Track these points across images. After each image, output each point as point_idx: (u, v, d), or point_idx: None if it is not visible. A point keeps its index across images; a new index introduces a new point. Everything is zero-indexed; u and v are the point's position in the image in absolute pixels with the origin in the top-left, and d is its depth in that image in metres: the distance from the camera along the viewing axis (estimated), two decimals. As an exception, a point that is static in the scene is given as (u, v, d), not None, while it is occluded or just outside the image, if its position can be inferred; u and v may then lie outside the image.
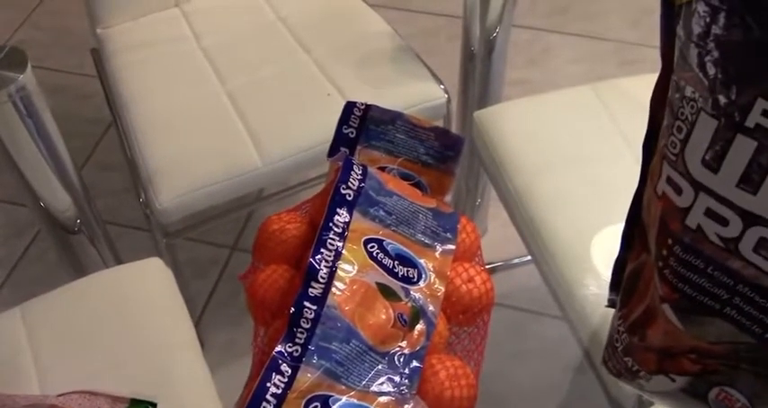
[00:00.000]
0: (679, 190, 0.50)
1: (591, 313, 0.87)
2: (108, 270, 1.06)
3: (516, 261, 1.49)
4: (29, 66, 0.88)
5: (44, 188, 1.01)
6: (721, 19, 0.45)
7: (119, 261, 1.20)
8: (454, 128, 1.35)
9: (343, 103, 0.73)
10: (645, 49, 1.84)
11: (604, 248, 0.92)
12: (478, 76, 1.30)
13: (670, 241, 0.52)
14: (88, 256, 1.15)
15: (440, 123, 1.24)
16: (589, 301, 0.88)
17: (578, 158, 1.06)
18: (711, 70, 0.46)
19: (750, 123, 0.45)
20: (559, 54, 1.88)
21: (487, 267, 1.46)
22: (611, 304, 0.66)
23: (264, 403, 0.55)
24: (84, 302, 0.97)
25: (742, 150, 0.46)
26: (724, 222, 0.48)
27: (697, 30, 0.46)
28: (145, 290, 0.99)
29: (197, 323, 1.45)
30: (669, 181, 0.51)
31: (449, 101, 1.22)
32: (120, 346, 0.91)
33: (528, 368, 1.36)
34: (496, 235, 1.54)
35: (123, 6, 1.33)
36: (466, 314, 0.65)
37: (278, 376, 0.56)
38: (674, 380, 0.57)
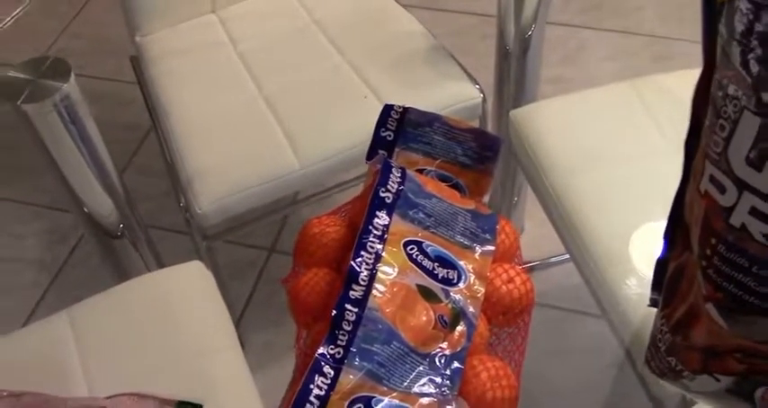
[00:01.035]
0: (722, 189, 0.50)
1: (632, 313, 0.86)
2: (150, 273, 1.07)
3: (554, 259, 1.48)
4: (72, 75, 0.90)
5: (87, 193, 1.03)
6: (764, 16, 0.44)
7: (160, 265, 1.22)
8: (490, 128, 1.34)
9: (379, 105, 0.74)
10: (679, 44, 1.82)
11: (644, 247, 0.92)
12: (514, 75, 1.29)
13: (713, 240, 0.52)
14: (131, 260, 1.17)
15: (476, 123, 1.24)
16: (631, 301, 0.87)
17: (616, 156, 1.06)
18: (755, 68, 0.46)
19: (795, 120, 0.45)
20: (594, 50, 1.87)
21: (525, 266, 1.46)
22: (654, 303, 0.66)
23: (308, 405, 0.55)
24: (129, 305, 0.99)
25: (787, 148, 0.45)
26: (769, 221, 0.48)
27: (740, 27, 0.46)
28: (187, 293, 1.01)
29: (236, 325, 1.47)
30: (712, 179, 0.51)
31: (484, 100, 1.22)
32: (164, 349, 0.93)
33: (567, 367, 1.35)
34: (533, 234, 1.54)
35: (161, 14, 1.35)
36: (506, 315, 0.65)
37: (321, 378, 0.57)
38: (718, 380, 0.57)
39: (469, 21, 1.97)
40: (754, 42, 0.45)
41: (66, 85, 0.89)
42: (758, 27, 0.44)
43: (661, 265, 0.64)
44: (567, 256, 1.05)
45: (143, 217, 1.18)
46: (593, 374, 1.35)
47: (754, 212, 0.48)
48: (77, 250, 1.63)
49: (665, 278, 0.62)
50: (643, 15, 1.92)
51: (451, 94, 1.21)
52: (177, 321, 0.96)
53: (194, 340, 0.94)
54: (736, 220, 0.50)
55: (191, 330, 0.96)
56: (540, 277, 1.48)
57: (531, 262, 1.49)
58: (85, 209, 1.05)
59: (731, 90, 0.48)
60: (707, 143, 0.51)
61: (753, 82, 0.46)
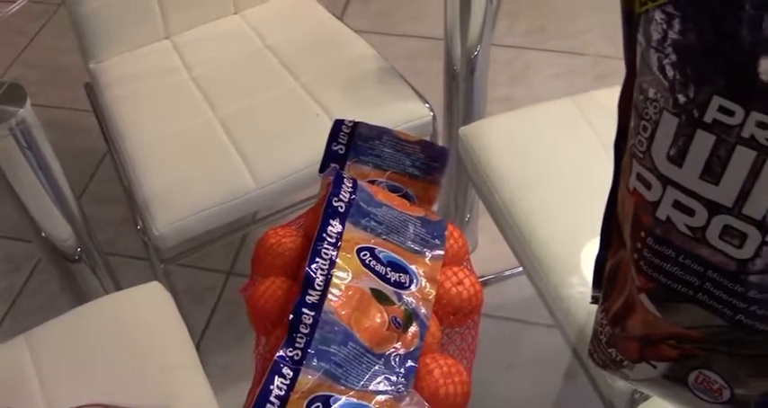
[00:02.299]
0: (648, 186, 0.54)
1: (576, 311, 0.90)
2: (109, 295, 1.08)
3: (507, 273, 1.52)
4: (28, 100, 0.92)
5: (45, 218, 1.04)
6: (676, 25, 0.49)
7: (119, 289, 1.22)
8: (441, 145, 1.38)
9: (332, 124, 0.77)
10: (620, 62, 1.89)
11: (587, 250, 0.96)
12: (462, 95, 1.34)
13: (643, 233, 0.56)
14: (89, 285, 1.18)
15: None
16: (574, 300, 0.91)
17: (561, 168, 1.10)
18: (670, 72, 0.50)
19: (708, 119, 0.49)
20: (540, 70, 1.94)
21: (479, 280, 1.49)
22: (595, 300, 0.70)
23: (269, 405, 0.57)
24: (88, 327, 1.00)
25: (702, 144, 0.49)
26: (691, 212, 0.52)
27: (655, 36, 0.50)
28: (146, 314, 1.02)
29: (196, 349, 1.47)
30: (639, 177, 0.55)
31: (434, 118, 1.26)
32: (125, 369, 0.94)
33: (521, 378, 1.38)
34: (487, 249, 1.57)
35: (115, 41, 1.37)
36: (457, 315, 0.68)
37: (280, 379, 0.59)
38: (655, 367, 0.60)
39: (419, 44, 2.02)
40: (669, 49, 0.49)
41: (22, 110, 0.91)
42: (671, 35, 0.49)
43: (599, 263, 0.68)
44: (520, 270, 1.09)
45: (100, 243, 1.19)
46: (547, 384, 1.39)
47: (677, 205, 0.53)
48: (33, 278, 1.62)
49: (604, 274, 0.66)
50: (588, 36, 2.00)
51: (403, 113, 1.25)
52: (137, 341, 0.97)
53: (155, 359, 0.96)
54: (661, 214, 0.54)
55: (151, 349, 0.97)
56: (493, 290, 1.52)
57: (484, 276, 1.52)
58: (43, 234, 1.06)
59: (651, 93, 0.52)
60: (632, 143, 0.55)
61: (669, 85, 0.50)
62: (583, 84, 1.87)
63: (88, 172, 1.81)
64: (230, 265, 1.61)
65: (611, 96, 1.24)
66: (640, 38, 0.52)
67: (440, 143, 1.35)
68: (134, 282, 1.04)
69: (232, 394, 1.32)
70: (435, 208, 0.78)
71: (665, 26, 0.49)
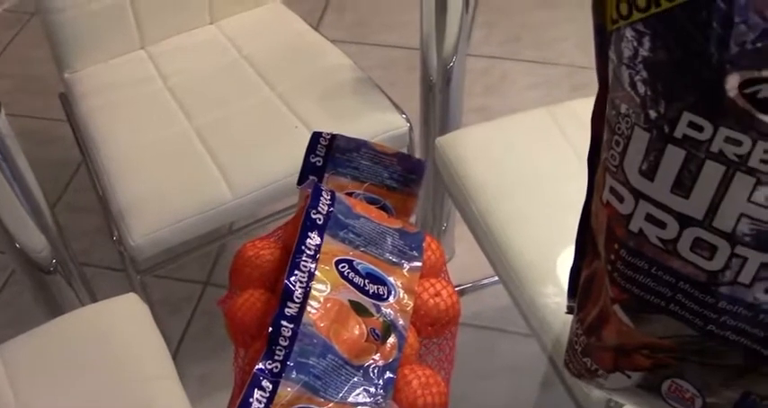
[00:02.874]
0: (621, 199, 0.55)
1: (552, 320, 0.91)
2: (85, 307, 1.07)
3: (484, 282, 1.53)
4: (1, 110, 0.91)
5: (19, 229, 1.03)
6: (647, 42, 0.50)
7: (94, 301, 1.22)
8: (417, 155, 1.39)
9: (308, 135, 0.77)
10: (595, 73, 1.92)
11: (563, 260, 0.97)
12: (438, 105, 1.35)
13: (616, 246, 0.57)
14: (64, 296, 1.17)
15: (404, 151, 1.29)
16: (550, 309, 0.92)
17: (536, 178, 1.11)
18: (641, 88, 0.51)
19: (678, 134, 0.50)
20: (515, 80, 1.95)
21: (456, 289, 1.49)
22: (570, 310, 0.71)
23: (248, 418, 0.58)
24: (63, 339, 0.99)
25: (673, 159, 0.51)
26: (662, 225, 0.53)
27: (627, 53, 0.51)
28: (123, 325, 1.01)
29: (173, 360, 1.47)
30: (612, 190, 0.56)
31: (411, 129, 1.27)
32: (101, 380, 0.93)
33: (498, 387, 1.39)
34: (464, 259, 1.59)
35: (90, 50, 1.36)
36: (434, 326, 0.69)
37: (260, 392, 0.59)
38: (629, 376, 0.61)
39: (396, 54, 2.03)
40: (640, 66, 0.51)
41: (-4, 121, 0.90)
42: (642, 52, 0.50)
43: (574, 273, 0.69)
44: (497, 279, 1.10)
45: (75, 254, 1.18)
46: (523, 393, 1.40)
47: (649, 218, 0.54)
48: (5, 291, 1.60)
49: (579, 285, 0.67)
50: (563, 46, 2.02)
51: (379, 124, 1.25)
52: (114, 352, 0.97)
53: (132, 369, 0.95)
54: (634, 226, 0.55)
55: (128, 360, 0.96)
56: (470, 299, 1.53)
57: (461, 285, 1.53)
58: (17, 245, 1.05)
59: (623, 109, 0.53)
60: (605, 157, 0.56)
61: (641, 101, 0.51)
62: (558, 95, 1.89)
63: (63, 182, 1.79)
64: (207, 276, 1.61)
65: (586, 107, 1.25)
66: (612, 54, 0.53)
67: (417, 153, 1.36)
68: (110, 293, 1.04)
69: (208, 404, 1.32)
70: (413, 219, 0.79)
71: (635, 43, 0.50)
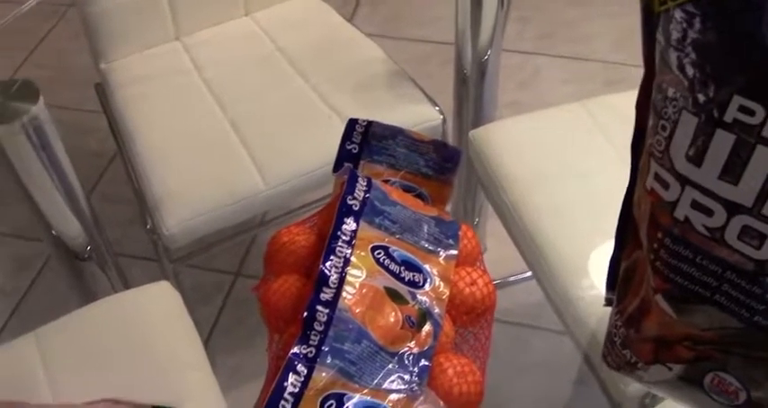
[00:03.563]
0: (666, 185, 0.54)
1: (586, 315, 0.90)
2: (118, 294, 1.08)
3: (516, 277, 1.52)
4: (41, 97, 0.92)
5: (56, 215, 1.04)
6: (697, 24, 0.49)
7: (127, 288, 1.22)
8: (451, 148, 1.39)
9: (342, 127, 0.77)
10: (629, 69, 1.90)
11: (596, 253, 0.96)
12: (472, 98, 1.34)
13: (660, 234, 0.56)
14: (98, 283, 1.18)
15: (437, 142, 1.28)
16: (584, 303, 0.91)
17: (570, 170, 1.10)
18: (690, 71, 0.50)
19: (728, 118, 0.49)
20: (548, 76, 1.94)
21: (489, 283, 1.46)
22: (609, 302, 0.69)
23: (283, 402, 0.57)
24: (96, 326, 0.99)
25: (722, 144, 0.49)
26: (709, 213, 0.52)
27: (675, 35, 0.50)
28: (154, 313, 1.02)
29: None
30: (657, 177, 0.55)
31: (444, 121, 1.26)
32: (133, 368, 0.94)
33: (530, 382, 1.38)
34: (495, 254, 1.56)
35: (126, 41, 1.37)
36: (470, 315, 0.68)
37: (294, 376, 0.59)
38: (670, 369, 0.60)
39: (428, 48, 2.02)
40: (689, 48, 0.49)
41: (34, 107, 0.91)
42: (691, 34, 0.49)
43: (614, 264, 0.68)
44: (529, 274, 1.09)
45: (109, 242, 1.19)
46: (555, 389, 1.38)
47: (695, 205, 0.52)
48: (40, 278, 1.62)
49: (618, 276, 0.66)
50: (596, 42, 2.00)
51: (413, 116, 1.25)
52: (145, 339, 0.97)
53: (163, 357, 0.95)
54: (679, 213, 0.54)
55: (159, 348, 0.96)
56: (502, 295, 1.49)
57: (494, 281, 1.52)
58: (53, 232, 1.06)
59: (670, 92, 0.52)
60: (651, 143, 0.55)
61: (689, 84, 0.50)
62: (592, 90, 1.86)
63: (97, 173, 1.81)
64: (238, 266, 1.61)
65: (621, 100, 1.24)
66: (659, 36, 0.52)
67: (450, 146, 1.35)
68: (142, 283, 1.04)
69: (238, 395, 1.32)
70: (448, 208, 0.78)
71: (684, 25, 0.49)
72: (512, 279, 1.52)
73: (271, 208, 1.26)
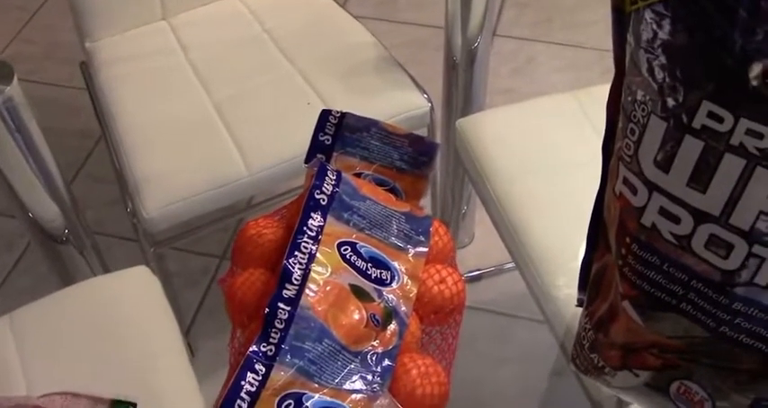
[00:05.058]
0: (634, 190, 0.52)
1: (565, 312, 0.89)
2: (95, 278, 1.07)
3: (503, 267, 1.51)
4: (15, 78, 0.90)
5: (32, 198, 1.03)
6: (666, 25, 0.47)
7: (107, 272, 1.21)
8: (438, 137, 1.37)
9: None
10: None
11: (579, 250, 0.94)
12: (461, 85, 1.32)
13: (628, 239, 0.54)
14: (76, 266, 1.17)
15: (423, 132, 1.26)
16: (562, 301, 0.90)
17: (558, 163, 1.08)
18: (659, 74, 0.48)
19: (697, 124, 0.47)
20: (544, 63, 1.91)
21: (475, 273, 1.47)
22: (580, 303, 0.68)
23: (239, 401, 0.56)
24: (72, 309, 0.99)
25: (690, 150, 0.48)
26: (676, 220, 0.50)
27: (645, 36, 0.48)
28: (131, 298, 1.01)
29: (187, 332, 1.47)
30: (625, 181, 0.53)
31: (432, 109, 1.25)
32: (107, 353, 0.93)
33: (511, 373, 1.37)
34: (483, 243, 1.56)
35: (111, 20, 1.35)
36: (438, 314, 0.67)
37: (252, 375, 0.58)
38: (637, 375, 0.59)
39: (424, 33, 2.00)
40: (659, 50, 0.48)
41: (8, 88, 0.89)
42: (661, 36, 0.47)
43: (585, 265, 0.67)
44: (514, 264, 1.08)
45: (93, 223, 1.18)
46: (536, 380, 1.37)
47: (662, 212, 0.51)
48: (24, 258, 1.61)
49: (589, 278, 0.65)
50: (594, 29, 1.97)
51: (400, 103, 1.23)
52: (120, 325, 0.96)
53: (137, 344, 0.94)
54: (647, 220, 0.52)
55: (134, 334, 0.96)
56: (487, 284, 1.50)
57: (479, 270, 1.51)
58: (30, 215, 1.05)
59: (639, 95, 0.50)
60: (620, 146, 0.53)
61: (658, 87, 0.48)
62: (588, 78, 1.84)
63: (85, 151, 1.80)
64: (224, 250, 1.60)
65: (611, 92, 1.22)
66: (630, 37, 0.50)
67: (438, 134, 1.33)
68: (126, 264, 1.03)
69: (222, 377, 1.31)
70: (423, 202, 0.76)
71: (654, 26, 0.47)
72: (500, 268, 1.51)
73: (254, 193, 1.25)
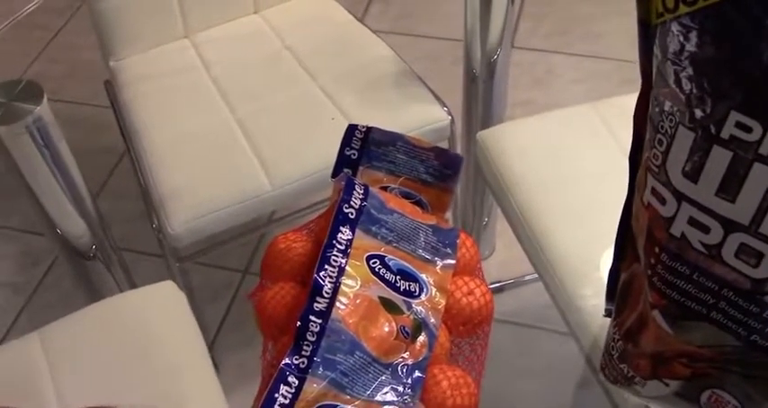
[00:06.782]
0: (663, 201, 0.53)
1: (591, 323, 0.89)
2: (122, 294, 1.09)
3: (525, 279, 1.51)
4: (44, 97, 0.92)
5: (60, 215, 1.05)
6: (693, 37, 0.47)
7: (133, 287, 1.23)
8: (459, 149, 1.38)
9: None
10: (646, 68, 1.87)
11: (603, 260, 0.95)
12: (481, 98, 1.33)
13: (657, 249, 0.54)
14: (103, 282, 1.18)
15: (444, 144, 1.27)
16: (588, 312, 0.90)
17: (579, 174, 1.09)
18: (687, 85, 0.49)
19: (725, 135, 0.48)
20: (562, 74, 1.92)
21: (496, 285, 1.47)
22: (608, 313, 0.68)
23: (273, 414, 0.57)
24: (100, 325, 1.00)
25: (719, 160, 0.48)
26: (706, 229, 0.51)
27: (672, 48, 0.49)
28: (158, 313, 1.02)
29: (211, 346, 1.48)
30: (653, 191, 0.54)
31: (452, 122, 1.25)
32: (135, 368, 0.94)
33: (536, 385, 1.37)
34: (504, 254, 1.56)
35: (135, 39, 1.37)
36: (466, 326, 0.67)
37: (285, 387, 0.58)
38: (667, 385, 0.59)
39: (442, 46, 2.01)
40: (686, 62, 0.48)
41: (38, 108, 0.91)
42: (688, 47, 0.48)
43: (613, 275, 0.67)
44: (536, 276, 1.08)
45: (118, 239, 1.19)
46: (560, 393, 1.37)
47: (692, 222, 0.51)
48: (50, 273, 1.63)
49: (617, 288, 0.65)
50: (612, 40, 1.97)
51: (420, 117, 1.24)
52: (148, 340, 0.97)
53: (164, 359, 0.96)
54: (676, 230, 0.52)
55: (161, 349, 0.97)
56: (510, 296, 1.50)
57: (501, 282, 1.51)
58: (58, 231, 1.07)
59: (667, 106, 0.51)
60: (648, 157, 0.54)
61: (686, 99, 0.49)
62: (606, 89, 1.84)
63: (108, 168, 1.82)
64: (246, 264, 1.62)
65: (632, 103, 1.22)
66: (656, 50, 0.51)
67: (458, 146, 1.34)
68: (152, 279, 1.04)
69: (246, 392, 1.31)
70: (448, 215, 0.77)
71: (681, 38, 0.48)
72: (522, 279, 1.51)
73: (277, 208, 1.26)
